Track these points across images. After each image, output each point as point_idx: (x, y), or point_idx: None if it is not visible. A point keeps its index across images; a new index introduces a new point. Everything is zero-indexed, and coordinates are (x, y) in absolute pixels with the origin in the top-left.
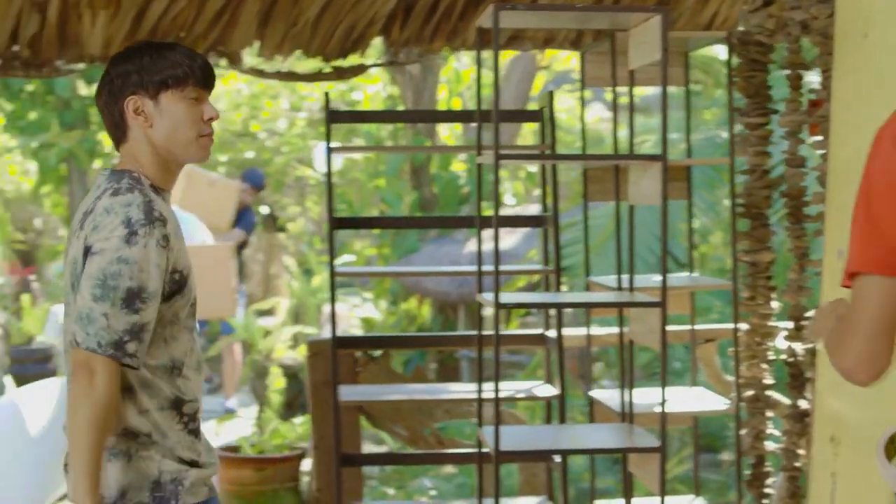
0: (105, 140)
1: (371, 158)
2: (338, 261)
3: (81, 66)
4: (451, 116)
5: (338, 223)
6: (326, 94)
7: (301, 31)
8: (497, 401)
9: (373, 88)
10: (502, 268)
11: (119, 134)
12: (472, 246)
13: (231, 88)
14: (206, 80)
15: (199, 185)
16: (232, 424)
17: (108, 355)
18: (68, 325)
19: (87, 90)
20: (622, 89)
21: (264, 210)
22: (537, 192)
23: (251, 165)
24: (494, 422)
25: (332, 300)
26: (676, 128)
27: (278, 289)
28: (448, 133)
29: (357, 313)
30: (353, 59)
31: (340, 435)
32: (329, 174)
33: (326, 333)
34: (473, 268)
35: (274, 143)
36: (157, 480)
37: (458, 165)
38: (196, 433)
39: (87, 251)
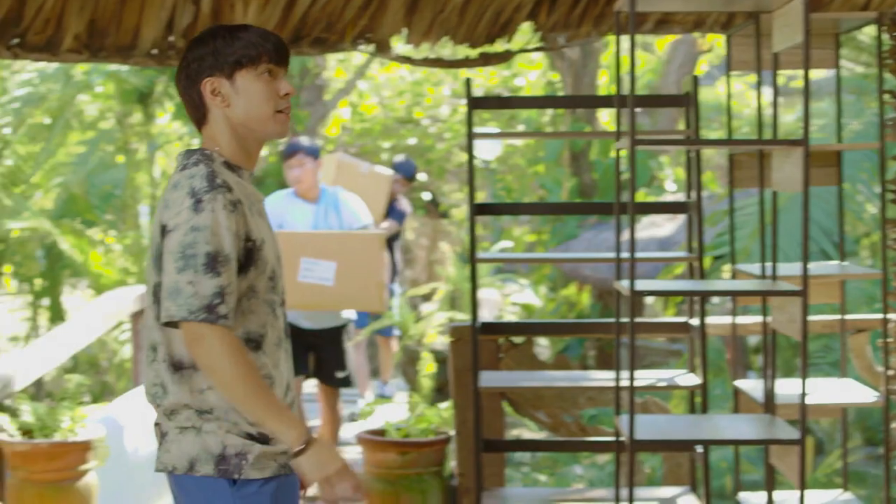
0: None
1: (531, 145)
2: (495, 247)
3: None
4: (589, 102)
5: (478, 209)
6: (468, 81)
7: (448, 18)
8: (632, 389)
9: (535, 74)
10: (644, 255)
11: (199, 116)
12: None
13: (394, 75)
14: (280, 57)
15: (350, 174)
16: (387, 409)
17: (200, 320)
18: (149, 300)
19: None
20: (793, 73)
21: (426, 196)
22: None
23: (406, 153)
24: (629, 410)
25: (473, 286)
26: (849, 113)
27: (441, 274)
28: (609, 118)
29: (514, 299)
30: (500, 45)
31: (481, 420)
32: (471, 160)
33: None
34: (611, 254)
35: (437, 130)
36: (221, 454)
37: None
38: None
39: (163, 229)
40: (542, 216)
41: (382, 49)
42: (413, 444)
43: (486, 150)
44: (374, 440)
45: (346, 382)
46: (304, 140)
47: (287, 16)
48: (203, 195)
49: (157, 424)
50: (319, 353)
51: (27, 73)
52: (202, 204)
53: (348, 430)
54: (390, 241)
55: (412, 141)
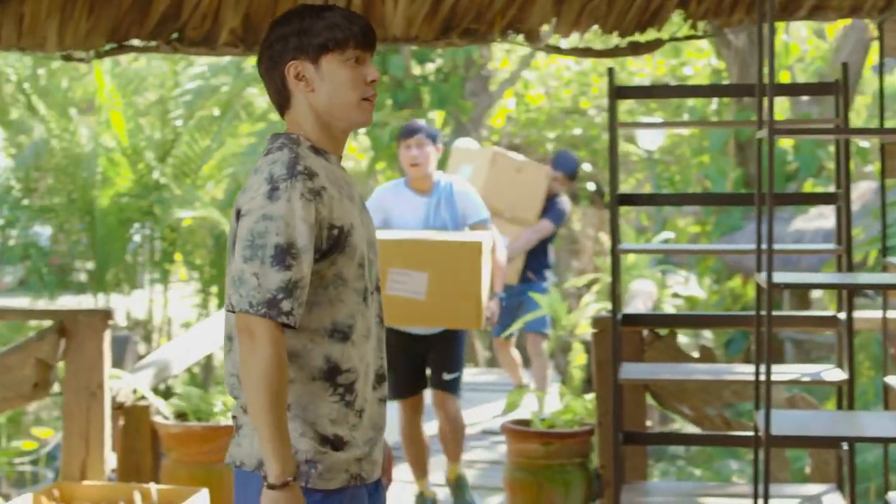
0: (436, 120)
1: (696, 134)
2: (657, 237)
3: (385, 47)
4: (731, 90)
5: (620, 199)
6: (611, 70)
7: (597, 7)
8: (768, 383)
9: (702, 63)
10: (784, 246)
11: (282, 101)
12: (798, 223)
13: (560, 65)
14: (367, 42)
15: (505, 170)
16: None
17: (261, 315)
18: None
19: (419, 70)
20: None
21: (591, 186)
22: (868, 168)
23: (567, 147)
24: (765, 405)
25: (614, 277)
26: None
27: (601, 265)
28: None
29: (678, 291)
30: (650, 34)
31: (621, 412)
32: (613, 151)
33: (628, 310)
34: (753, 246)
35: (602, 120)
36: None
37: (785, 141)
38: (351, 405)
39: (237, 214)
40: (706, 207)
41: (531, 39)
42: (556, 435)
43: (649, 140)
44: (518, 430)
45: (454, 385)
46: (424, 123)
47: (437, 7)
48: (280, 182)
49: (234, 417)
50: (428, 355)
51: (199, 66)
52: (278, 192)
53: (497, 421)
54: (544, 241)
55: (577, 131)
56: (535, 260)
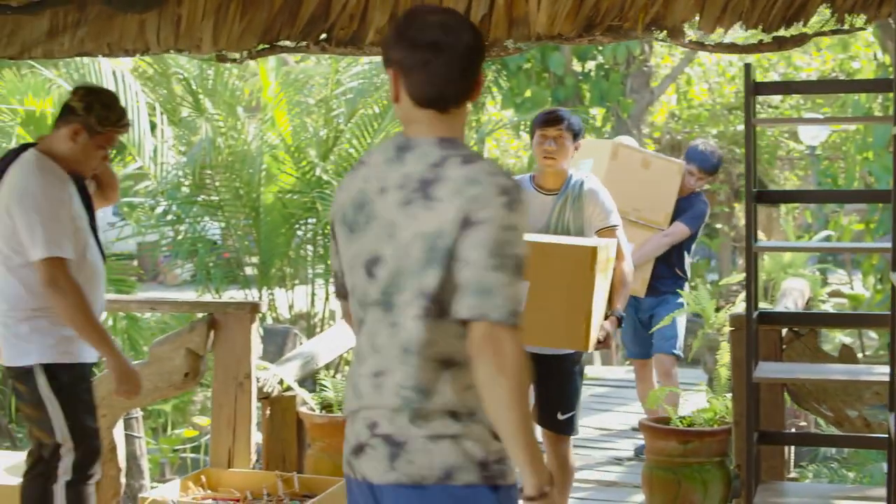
0: (597, 117)
1: (860, 131)
2: (818, 235)
3: (527, 45)
4: (868, 86)
5: (758, 196)
6: (747, 66)
7: (741, 2)
8: (892, 385)
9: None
10: None
11: (462, 100)
12: None
13: (722, 61)
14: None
15: (628, 164)
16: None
17: (511, 324)
18: (412, 288)
19: (579, 66)
20: None
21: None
22: None
23: (706, 139)
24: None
25: (748, 274)
26: None
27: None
28: None
29: (833, 289)
30: (795, 29)
31: (756, 411)
32: (750, 148)
33: (778, 308)
34: (885, 245)
35: (767, 115)
36: (483, 460)
37: None
38: None
39: (464, 222)
40: (871, 204)
41: (674, 36)
42: (695, 434)
43: (811, 136)
44: (656, 427)
45: (569, 427)
46: (568, 112)
47: (579, 4)
48: (514, 194)
49: (383, 436)
50: (539, 384)
51: (361, 65)
52: (515, 204)
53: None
54: (680, 246)
55: (741, 127)
56: (668, 269)
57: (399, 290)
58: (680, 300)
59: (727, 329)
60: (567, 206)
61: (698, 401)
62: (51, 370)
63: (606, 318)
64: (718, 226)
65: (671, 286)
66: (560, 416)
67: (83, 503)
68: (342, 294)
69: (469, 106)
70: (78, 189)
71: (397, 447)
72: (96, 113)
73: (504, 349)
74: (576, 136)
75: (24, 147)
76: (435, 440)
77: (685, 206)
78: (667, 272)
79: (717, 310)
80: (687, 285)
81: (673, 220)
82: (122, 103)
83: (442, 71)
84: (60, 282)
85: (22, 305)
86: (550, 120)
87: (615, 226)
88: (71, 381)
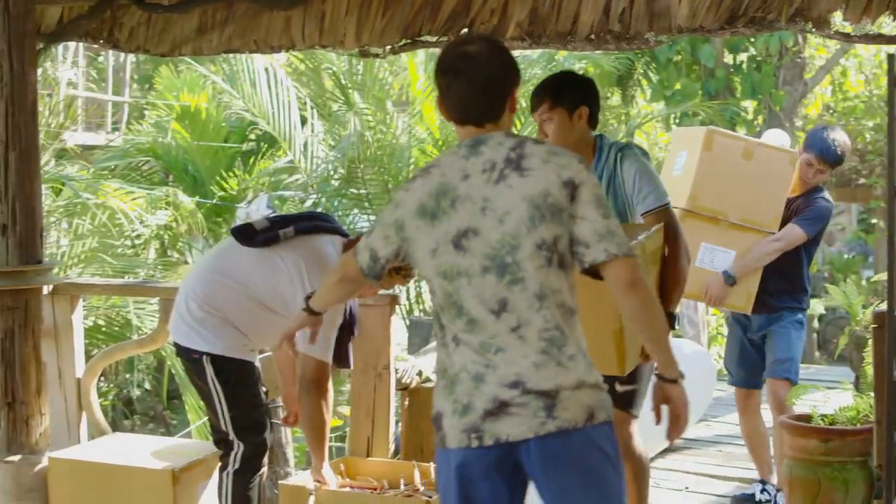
0: (748, 110)
1: None
2: None
3: (669, 37)
4: None
5: None
6: (891, 57)
7: None
8: None
9: None
10: None
11: (502, 110)
12: None
13: (881, 52)
14: None
15: (725, 155)
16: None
17: (632, 254)
18: (531, 251)
19: (730, 58)
20: None
21: None
22: None
23: (827, 124)
24: None
25: (891, 270)
26: None
27: None
28: None
29: None
30: None
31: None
32: (892, 140)
33: None
34: None
35: None
36: (606, 400)
37: None
38: None
39: (565, 184)
40: None
41: (820, 26)
42: (836, 432)
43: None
44: (796, 426)
45: (629, 402)
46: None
47: None
48: (585, 161)
49: (535, 392)
50: None
51: None
52: (588, 167)
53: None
54: (797, 253)
55: None
56: (782, 281)
57: (512, 251)
58: (799, 317)
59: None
60: (602, 186)
61: (843, 399)
62: (218, 363)
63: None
64: (874, 221)
65: (787, 301)
66: (619, 388)
67: (248, 495)
68: (373, 276)
69: (510, 119)
70: None
71: (550, 397)
72: None
73: (638, 272)
74: (574, 103)
75: None
76: (580, 385)
77: (802, 205)
78: (782, 285)
79: (865, 307)
80: (807, 299)
81: (787, 221)
82: (274, 98)
83: (462, 90)
84: None
85: (212, 303)
86: (534, 102)
87: (663, 206)
88: (239, 377)
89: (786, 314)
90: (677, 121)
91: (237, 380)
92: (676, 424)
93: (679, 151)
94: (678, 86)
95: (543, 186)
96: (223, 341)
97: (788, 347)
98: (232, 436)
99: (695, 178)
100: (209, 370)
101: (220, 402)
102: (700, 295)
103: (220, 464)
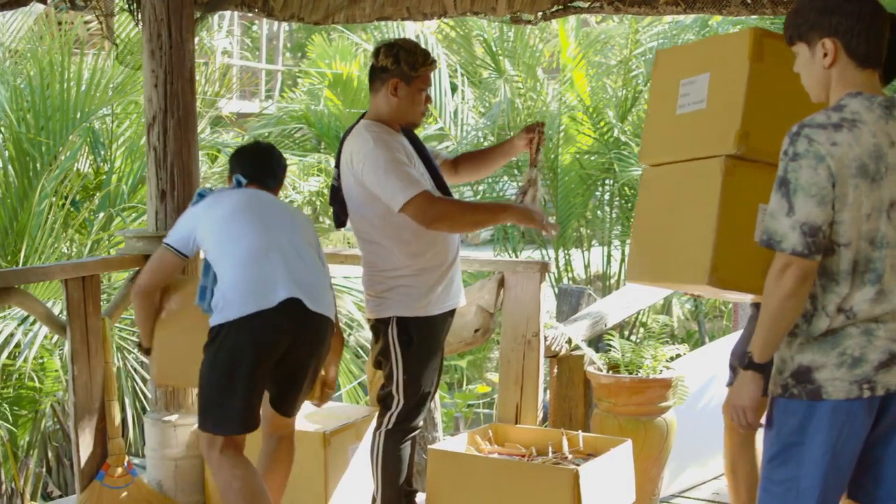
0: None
1: None
2: None
3: None
4: None
5: None
6: None
7: None
8: None
9: None
10: None
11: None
12: None
13: None
14: None
15: (783, 66)
16: None
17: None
18: None
19: None
20: None
21: None
22: None
23: None
24: None
25: None
26: None
27: None
28: None
29: None
30: None
31: None
32: None
33: None
34: None
35: None
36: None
37: None
38: None
39: None
40: None
41: None
42: None
43: None
44: None
45: None
46: None
47: None
48: None
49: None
50: None
51: (661, 24)
52: None
53: None
54: None
55: None
56: None
57: None
58: None
59: None
60: None
61: None
62: (403, 323)
63: None
64: None
65: None
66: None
67: (399, 455)
68: (817, 251)
69: None
70: (412, 144)
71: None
72: (405, 60)
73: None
74: None
75: (355, 123)
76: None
77: None
78: None
79: None
80: None
81: None
82: None
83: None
84: (431, 210)
85: (378, 272)
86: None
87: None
88: (420, 339)
89: None
90: None
91: (419, 342)
92: None
93: (688, 77)
94: None
95: None
96: (409, 301)
97: None
98: (399, 396)
99: (745, 107)
100: (393, 331)
101: (396, 361)
102: None
103: (374, 423)
